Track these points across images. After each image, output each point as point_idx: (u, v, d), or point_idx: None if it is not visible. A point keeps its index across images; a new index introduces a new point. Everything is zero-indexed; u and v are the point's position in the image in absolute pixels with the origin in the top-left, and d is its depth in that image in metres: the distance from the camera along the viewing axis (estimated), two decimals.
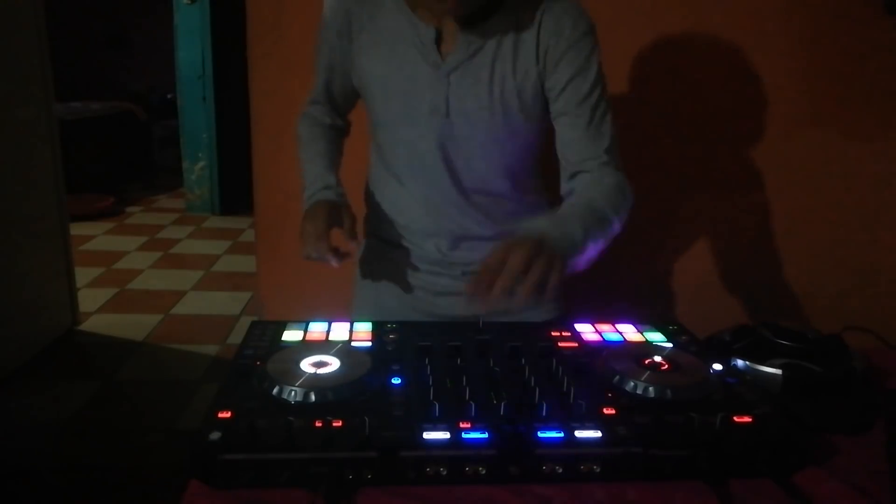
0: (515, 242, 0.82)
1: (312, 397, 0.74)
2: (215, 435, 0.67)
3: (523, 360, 0.86)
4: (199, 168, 5.05)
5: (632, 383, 0.80)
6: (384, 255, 1.20)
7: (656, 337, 0.99)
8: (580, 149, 1.02)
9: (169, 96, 5.97)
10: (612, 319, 1.04)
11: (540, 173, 1.16)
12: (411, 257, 1.16)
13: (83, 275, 3.45)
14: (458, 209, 1.10)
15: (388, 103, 1.06)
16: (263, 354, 0.84)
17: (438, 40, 1.01)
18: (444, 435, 0.69)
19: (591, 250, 0.92)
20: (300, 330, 0.95)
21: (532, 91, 1.02)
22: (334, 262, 1.00)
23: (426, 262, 1.15)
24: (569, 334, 0.98)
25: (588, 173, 1.02)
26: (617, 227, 0.97)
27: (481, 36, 1.00)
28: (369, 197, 1.21)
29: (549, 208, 1.15)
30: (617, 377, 0.82)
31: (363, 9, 1.05)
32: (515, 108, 1.02)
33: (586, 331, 1.00)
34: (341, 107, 1.20)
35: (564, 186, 1.06)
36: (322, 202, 1.06)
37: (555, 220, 0.92)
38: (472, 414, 0.72)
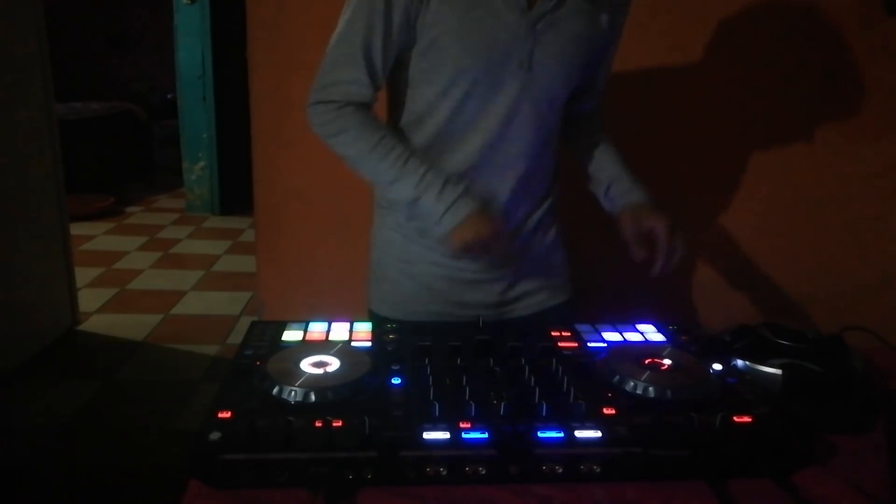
0: (662, 216, 1.05)
1: (312, 397, 0.74)
2: (215, 435, 0.67)
3: (523, 360, 0.86)
4: (199, 168, 5.05)
5: (632, 383, 0.80)
6: (408, 242, 1.14)
7: (656, 337, 0.99)
8: (597, 94, 1.17)
9: (169, 96, 5.97)
10: (613, 319, 1.04)
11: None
12: (436, 247, 1.10)
13: (83, 275, 3.45)
14: (500, 174, 1.06)
15: (467, 59, 0.97)
16: (263, 354, 0.84)
17: None
18: (444, 435, 0.69)
19: None
20: (300, 330, 0.95)
21: (600, 42, 1.05)
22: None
23: (471, 273, 1.12)
24: (569, 334, 0.98)
25: (590, 117, 1.19)
26: None
27: None
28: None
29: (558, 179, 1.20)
30: (617, 377, 0.82)
31: None
32: (585, 62, 1.04)
33: (586, 331, 1.00)
34: (382, 74, 1.02)
35: (577, 128, 1.19)
36: (473, 199, 0.99)
37: (638, 184, 1.13)
38: (472, 414, 0.72)
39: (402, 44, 1.00)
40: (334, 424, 0.69)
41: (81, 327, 3.02)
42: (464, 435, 0.69)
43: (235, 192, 4.92)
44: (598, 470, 0.69)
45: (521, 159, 1.06)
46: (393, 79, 1.06)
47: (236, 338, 2.86)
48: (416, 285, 1.14)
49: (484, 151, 1.04)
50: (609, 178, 1.14)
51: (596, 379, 0.83)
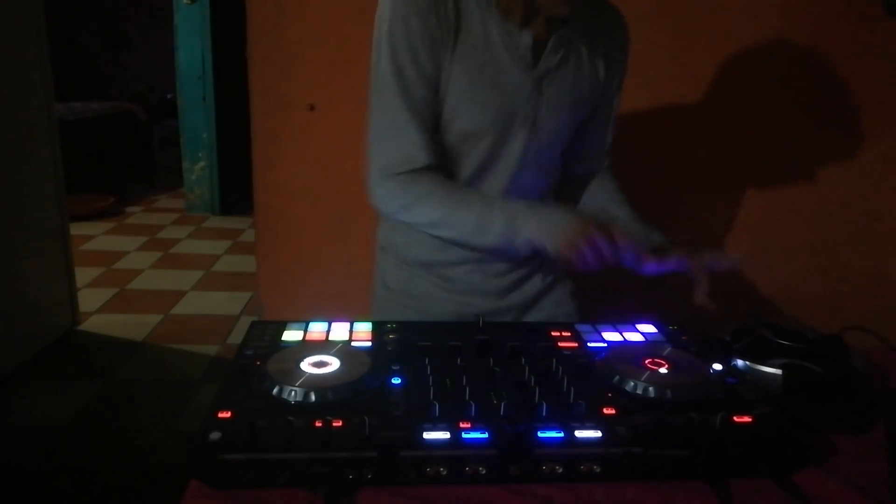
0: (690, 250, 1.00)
1: (312, 397, 0.74)
2: (215, 435, 0.67)
3: (523, 360, 0.86)
4: (199, 168, 5.05)
5: (632, 383, 0.80)
6: (416, 275, 1.15)
7: (656, 337, 0.99)
8: (602, 151, 1.15)
9: (169, 96, 5.97)
10: (613, 320, 1.04)
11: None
12: (444, 278, 1.13)
13: (83, 275, 3.45)
14: None
15: (475, 115, 0.99)
16: (263, 354, 0.84)
17: (533, 46, 0.97)
18: (444, 435, 0.69)
19: None
20: (300, 330, 0.95)
21: (597, 95, 1.05)
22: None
23: (463, 284, 1.13)
24: (569, 334, 0.98)
25: (602, 178, 1.16)
26: None
27: (564, 41, 0.99)
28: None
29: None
30: (617, 377, 0.82)
31: (447, 9, 0.93)
32: (586, 112, 1.05)
33: (586, 331, 1.00)
34: (434, 131, 1.00)
35: (583, 187, 1.16)
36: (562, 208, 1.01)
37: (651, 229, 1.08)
38: (472, 414, 0.72)
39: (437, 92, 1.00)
40: (334, 424, 0.69)
41: (81, 327, 3.02)
42: (464, 435, 0.69)
43: (235, 192, 4.92)
44: (598, 470, 0.69)
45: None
46: None
47: (236, 338, 2.87)
48: (425, 301, 1.15)
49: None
50: (622, 223, 1.08)
51: (596, 379, 0.83)
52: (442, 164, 1.01)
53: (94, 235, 4.44)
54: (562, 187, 1.19)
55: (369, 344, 0.91)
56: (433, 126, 1.00)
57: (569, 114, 1.03)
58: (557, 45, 0.98)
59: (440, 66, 0.96)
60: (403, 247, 1.14)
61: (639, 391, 0.80)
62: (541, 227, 0.95)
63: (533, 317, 1.18)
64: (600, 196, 1.15)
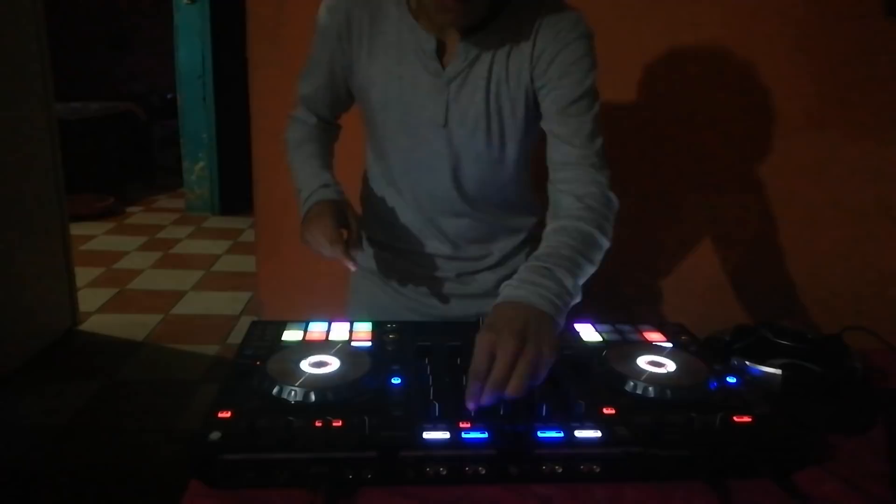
0: (498, 340, 0.74)
1: (312, 397, 0.74)
2: (215, 435, 0.67)
3: None
4: (199, 168, 5.05)
5: (632, 383, 0.80)
6: (380, 258, 1.20)
7: (656, 337, 0.99)
8: (567, 150, 0.99)
9: (169, 96, 5.97)
10: (613, 319, 1.04)
11: (530, 180, 1.16)
12: (407, 261, 1.17)
13: (83, 275, 3.45)
14: (455, 215, 1.10)
15: (387, 112, 1.05)
16: (263, 354, 0.84)
17: (439, 50, 1.00)
18: (444, 435, 0.69)
19: (583, 281, 0.88)
20: (300, 330, 0.95)
21: (525, 95, 1.02)
22: (353, 266, 1.00)
23: (422, 266, 1.16)
24: (569, 334, 0.98)
25: (574, 176, 0.99)
26: (606, 244, 0.94)
27: (480, 44, 0.99)
28: (365, 200, 1.21)
29: (542, 209, 1.13)
30: (617, 377, 0.82)
31: (364, 12, 1.03)
32: (509, 113, 1.02)
33: (586, 331, 1.00)
34: (331, 113, 1.18)
35: (551, 189, 1.02)
36: (326, 202, 1.05)
37: (539, 278, 0.82)
38: (472, 414, 0.72)
39: (347, 92, 1.11)
40: (334, 424, 0.69)
41: (81, 327, 3.02)
42: (464, 435, 0.69)
43: (235, 192, 4.91)
44: (598, 470, 0.69)
45: (479, 203, 1.10)
46: (363, 118, 1.14)
47: (236, 338, 2.87)
48: (388, 301, 1.19)
49: (428, 198, 1.09)
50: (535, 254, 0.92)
51: (596, 379, 0.83)
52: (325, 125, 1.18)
53: (94, 235, 4.44)
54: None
55: (369, 344, 0.91)
56: (324, 109, 1.16)
57: (483, 119, 1.01)
58: (466, 49, 0.99)
59: (339, 59, 1.06)
60: (363, 224, 1.19)
61: (639, 391, 0.80)
62: (301, 211, 1.07)
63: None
64: (553, 224, 0.97)
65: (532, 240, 1.20)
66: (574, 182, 0.98)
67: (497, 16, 0.99)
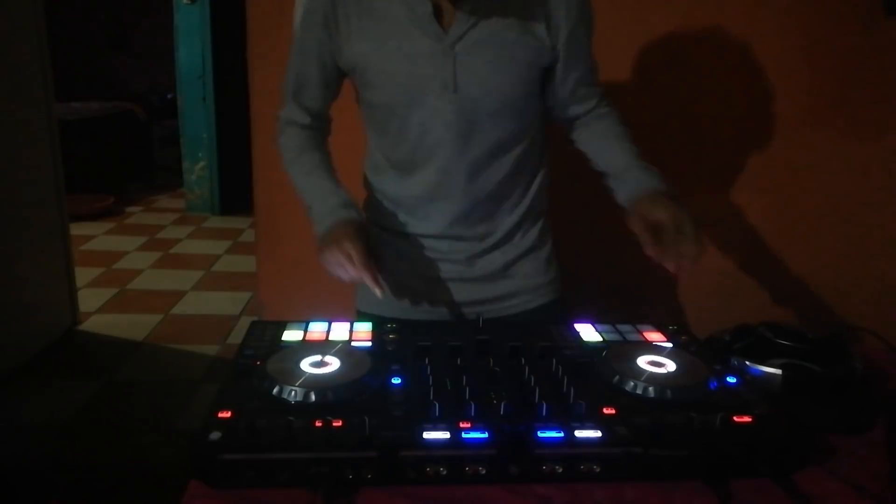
0: (671, 207, 0.99)
1: (312, 397, 0.74)
2: (215, 435, 0.67)
3: (523, 360, 0.86)
4: (199, 168, 5.05)
5: (632, 383, 0.80)
6: (384, 242, 1.17)
7: (656, 337, 0.99)
8: (588, 94, 1.13)
9: (169, 96, 5.97)
10: (613, 319, 1.04)
11: (542, 141, 1.17)
12: (414, 246, 1.14)
13: (83, 275, 3.45)
14: (464, 189, 1.08)
15: (392, 87, 1.02)
16: (263, 354, 0.84)
17: (437, 14, 0.99)
18: (444, 435, 0.69)
19: None
20: (300, 330, 0.95)
21: (540, 49, 1.03)
22: (380, 291, 0.98)
23: (429, 250, 1.14)
24: (569, 334, 0.98)
25: (600, 115, 1.15)
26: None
27: (480, 4, 0.98)
28: (368, 184, 1.19)
29: (547, 180, 1.18)
30: (617, 377, 0.82)
31: None
32: (525, 69, 1.03)
33: (586, 331, 1.00)
34: (324, 103, 1.14)
35: (581, 131, 1.16)
36: (348, 222, 1.02)
37: (648, 173, 1.07)
38: (472, 414, 0.72)
39: (336, 78, 1.10)
40: (334, 424, 0.69)
41: (81, 327, 3.02)
42: (464, 435, 0.69)
43: (235, 192, 4.91)
44: (598, 470, 0.69)
45: (485, 174, 1.08)
46: (359, 103, 1.13)
47: (236, 338, 2.87)
48: (393, 285, 1.15)
49: (439, 171, 1.07)
50: (617, 169, 1.10)
51: (596, 379, 0.83)
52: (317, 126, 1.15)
53: (94, 235, 4.44)
54: (567, 131, 1.19)
55: (369, 344, 0.91)
56: (315, 102, 1.12)
57: (500, 76, 1.02)
58: (469, 9, 0.98)
59: (326, 43, 1.05)
60: (368, 208, 1.18)
61: (639, 391, 0.80)
62: (318, 228, 1.04)
63: (502, 287, 1.17)
64: (593, 143, 1.15)
65: (539, 217, 1.19)
66: (609, 122, 1.16)
67: None
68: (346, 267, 0.97)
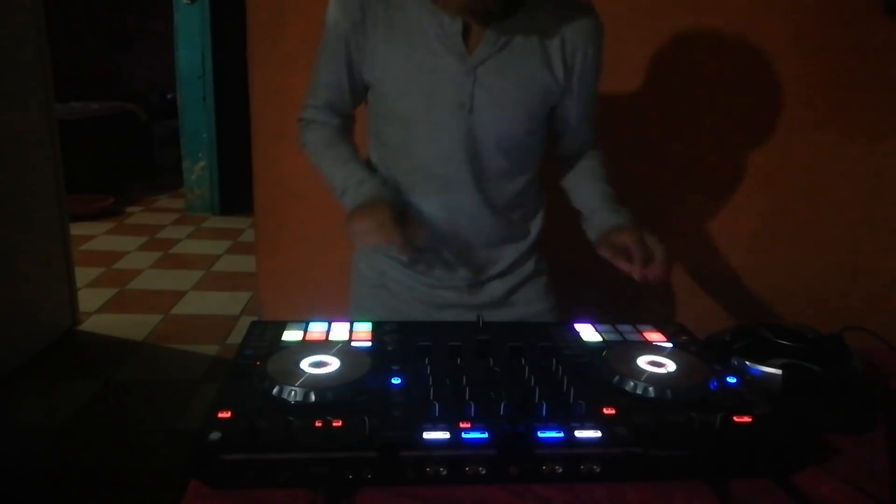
0: (633, 231, 1.03)
1: (312, 397, 0.74)
2: (215, 435, 0.67)
3: (523, 360, 0.86)
4: (199, 168, 5.05)
5: (632, 383, 0.80)
6: (383, 268, 1.18)
7: (656, 337, 0.99)
8: (583, 133, 1.16)
9: (169, 96, 5.98)
10: (612, 319, 1.04)
11: (538, 180, 1.19)
12: (415, 271, 1.15)
13: (83, 275, 3.45)
14: (472, 210, 1.09)
15: (409, 99, 1.03)
16: (263, 354, 0.84)
17: (464, 33, 1.00)
18: (444, 435, 0.69)
19: None
20: (300, 330, 0.95)
21: (554, 86, 1.04)
22: (407, 254, 1.02)
23: (430, 276, 1.15)
24: (569, 334, 0.98)
25: (587, 155, 1.19)
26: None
27: (507, 31, 1.00)
28: None
29: (546, 215, 1.20)
30: (617, 377, 0.82)
31: (378, 1, 1.02)
32: (539, 102, 1.04)
33: (586, 331, 1.00)
34: (347, 107, 1.15)
35: (565, 168, 1.20)
36: (382, 198, 1.02)
37: (617, 214, 1.10)
38: (472, 414, 0.72)
39: (362, 83, 1.10)
40: (334, 424, 0.69)
41: (81, 327, 3.02)
42: (464, 435, 0.69)
43: (235, 192, 4.91)
44: (598, 470, 0.69)
45: (489, 200, 1.09)
46: (369, 112, 1.13)
47: (236, 338, 2.87)
48: (392, 311, 1.17)
49: (443, 189, 1.08)
50: (589, 210, 1.14)
51: (596, 379, 0.83)
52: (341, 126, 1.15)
53: (94, 235, 4.44)
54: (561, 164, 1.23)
55: (369, 344, 0.91)
56: (343, 101, 1.12)
57: (514, 104, 1.03)
58: (496, 35, 0.99)
59: (354, 52, 1.05)
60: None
61: (639, 391, 0.80)
62: (354, 204, 1.03)
63: (504, 315, 1.18)
64: (572, 181, 1.19)
65: (538, 247, 1.20)
66: (594, 163, 1.19)
67: (518, 8, 1.01)
68: (376, 235, 0.97)
